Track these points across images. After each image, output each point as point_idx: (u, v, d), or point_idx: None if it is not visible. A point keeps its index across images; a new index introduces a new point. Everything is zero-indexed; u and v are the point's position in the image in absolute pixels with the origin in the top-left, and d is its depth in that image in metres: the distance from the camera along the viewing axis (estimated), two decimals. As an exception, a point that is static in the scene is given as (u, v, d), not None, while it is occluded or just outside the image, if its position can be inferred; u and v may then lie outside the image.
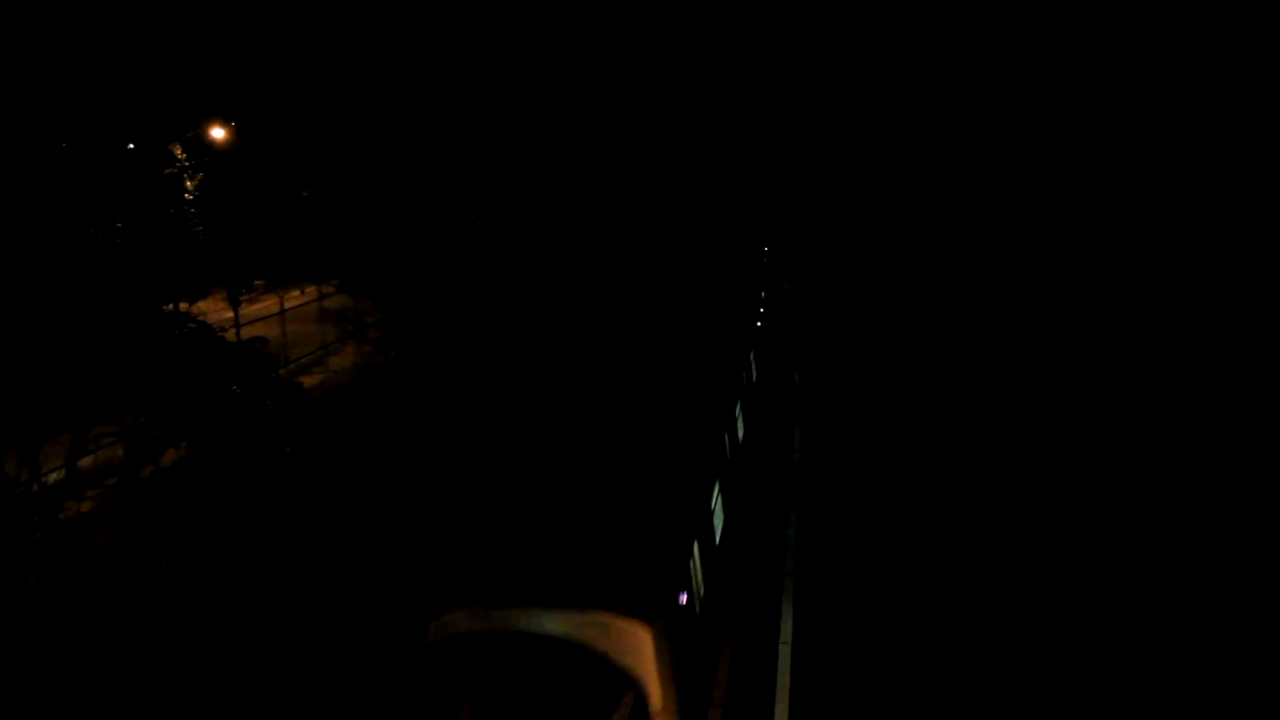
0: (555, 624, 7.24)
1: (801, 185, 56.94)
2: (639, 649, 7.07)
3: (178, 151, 20.52)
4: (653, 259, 34.68)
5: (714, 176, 48.97)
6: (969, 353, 27.43)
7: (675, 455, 11.04)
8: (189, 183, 20.40)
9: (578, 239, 34.12)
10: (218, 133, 26.35)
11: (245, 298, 23.12)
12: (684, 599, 8.17)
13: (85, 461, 12.72)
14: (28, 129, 13.29)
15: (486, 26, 32.54)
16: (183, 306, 14.96)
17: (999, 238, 45.13)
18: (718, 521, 11.42)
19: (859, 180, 56.28)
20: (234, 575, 11.98)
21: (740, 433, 15.31)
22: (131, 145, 16.97)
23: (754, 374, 19.38)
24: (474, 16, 32.06)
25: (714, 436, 12.37)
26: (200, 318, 13.40)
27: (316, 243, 24.81)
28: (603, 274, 32.97)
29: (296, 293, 29.27)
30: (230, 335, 14.21)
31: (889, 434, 19.80)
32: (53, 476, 12.27)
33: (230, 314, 21.96)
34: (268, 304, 26.78)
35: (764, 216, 53.88)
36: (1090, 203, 42.93)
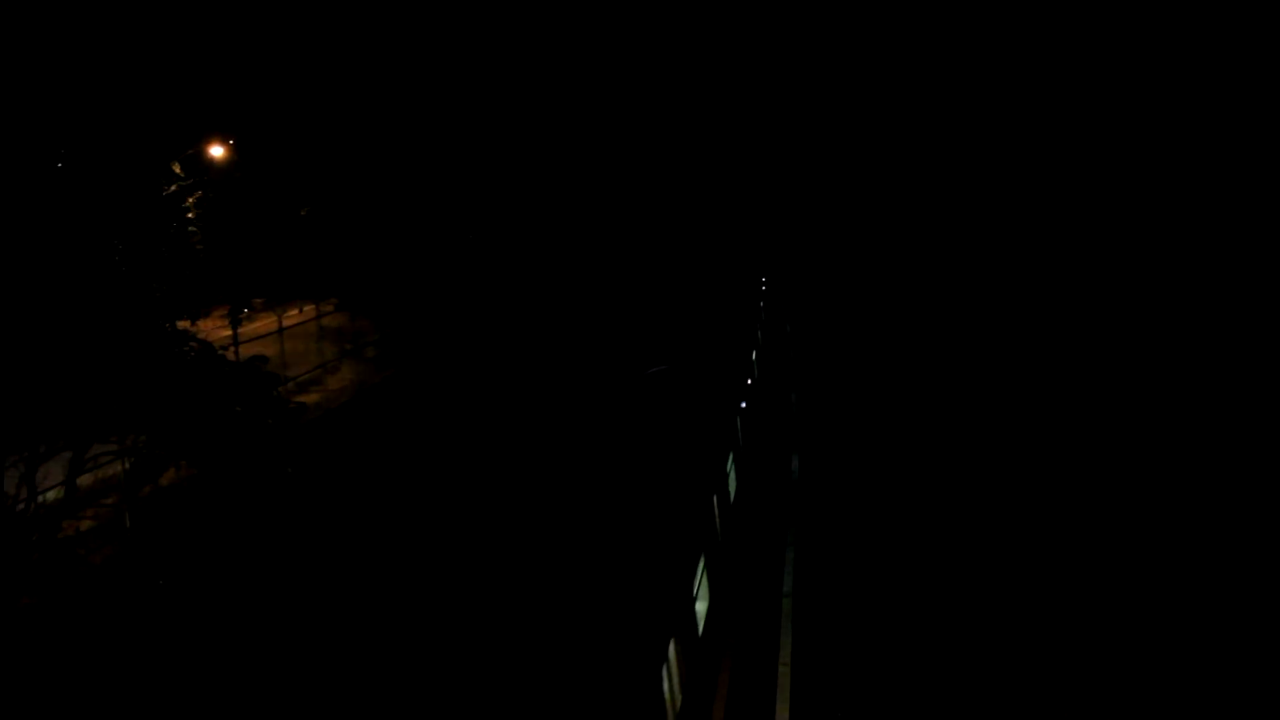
0: None
1: (808, 197, 55.55)
2: None
3: (177, 169, 20.52)
4: (643, 292, 33.28)
5: (716, 193, 48.90)
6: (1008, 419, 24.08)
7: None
8: (189, 200, 20.38)
9: (571, 258, 34.21)
10: (216, 150, 26.41)
11: (243, 316, 23.08)
12: None
13: (84, 480, 12.63)
14: (28, 147, 13.29)
15: (485, 48, 32.77)
16: (182, 325, 14.93)
17: (1021, 252, 44.37)
18: None
19: (868, 190, 55.29)
20: (233, 595, 11.90)
21: (702, 612, 10.97)
22: (131, 163, 16.95)
23: (732, 489, 15.20)
24: (473, 36, 32.29)
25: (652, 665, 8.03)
26: (199, 336, 13.36)
27: (315, 261, 24.87)
28: (595, 291, 33.01)
29: (295, 311, 29.27)
30: (229, 354, 14.16)
31: (912, 575, 15.13)
32: (51, 495, 12.19)
33: (227, 332, 21.90)
34: (266, 322, 26.76)
35: (765, 236, 51.63)
36: (1100, 238, 42.62)
